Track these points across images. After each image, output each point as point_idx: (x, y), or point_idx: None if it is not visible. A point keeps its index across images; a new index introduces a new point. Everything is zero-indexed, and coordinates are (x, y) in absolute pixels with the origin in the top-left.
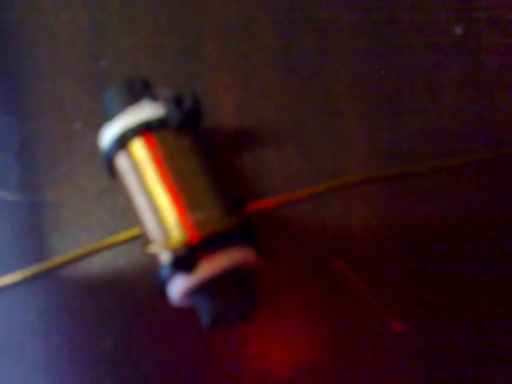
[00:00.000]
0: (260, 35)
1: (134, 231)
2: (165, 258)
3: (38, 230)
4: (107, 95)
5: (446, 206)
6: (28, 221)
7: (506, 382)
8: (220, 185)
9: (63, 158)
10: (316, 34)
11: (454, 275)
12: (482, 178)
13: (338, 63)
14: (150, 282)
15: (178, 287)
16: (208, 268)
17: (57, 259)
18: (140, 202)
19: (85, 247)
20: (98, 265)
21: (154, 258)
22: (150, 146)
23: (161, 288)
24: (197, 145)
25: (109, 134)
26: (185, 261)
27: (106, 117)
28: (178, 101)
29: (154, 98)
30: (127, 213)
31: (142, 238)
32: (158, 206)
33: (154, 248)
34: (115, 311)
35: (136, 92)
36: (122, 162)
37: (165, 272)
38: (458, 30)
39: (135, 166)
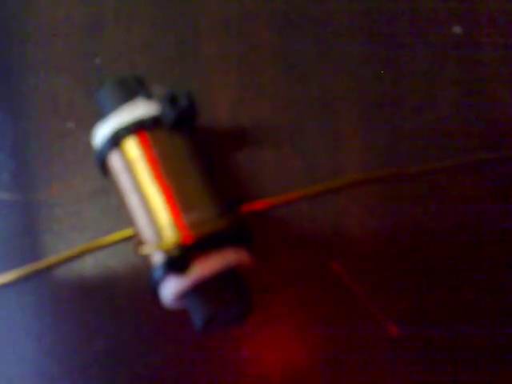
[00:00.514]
0: (257, 34)
1: (127, 231)
2: (157, 258)
3: (31, 229)
4: (101, 93)
5: (443, 207)
6: (20, 220)
7: None
8: (214, 185)
9: (56, 157)
10: (314, 33)
11: (451, 278)
12: (480, 179)
13: (335, 63)
14: (143, 282)
15: (170, 289)
16: (201, 269)
17: (49, 259)
18: (133, 201)
19: (77, 247)
20: (90, 265)
21: (146, 258)
22: (144, 144)
23: (153, 289)
24: (191, 144)
25: (102, 132)
26: (178, 262)
27: (100, 115)
28: (172, 99)
29: (149, 96)
30: (120, 213)
31: (135, 239)
32: (152, 206)
33: (146, 249)
34: (107, 312)
35: (130, 90)
36: (115, 161)
37: (157, 273)
38: (458, 30)
39: (129, 166)
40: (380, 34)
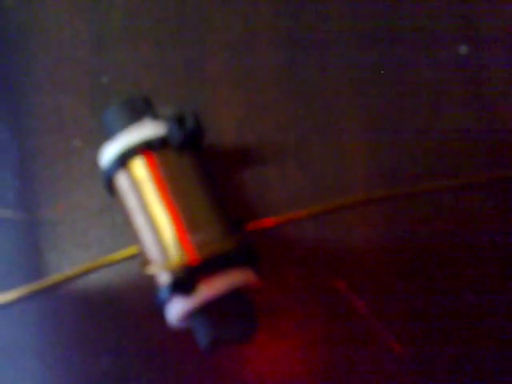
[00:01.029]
0: (262, 53)
1: (132, 250)
2: (163, 279)
3: (35, 247)
4: (108, 113)
5: (448, 226)
6: (25, 238)
7: None
8: (221, 205)
9: (62, 175)
10: (319, 51)
11: (455, 297)
12: (485, 199)
13: (340, 81)
14: (147, 301)
15: (176, 310)
16: (207, 291)
17: (53, 277)
18: (140, 221)
19: (82, 265)
20: (94, 283)
21: (152, 278)
22: (151, 165)
23: (159, 310)
24: (198, 164)
25: (109, 152)
26: (184, 283)
27: (107, 135)
28: (179, 120)
29: (156, 116)
30: (125, 231)
31: (141, 258)
32: (158, 227)
33: (152, 269)
34: (112, 331)
35: (137, 110)
36: (122, 180)
37: (163, 294)
38: (463, 50)
39: (135, 186)
40: (386, 53)
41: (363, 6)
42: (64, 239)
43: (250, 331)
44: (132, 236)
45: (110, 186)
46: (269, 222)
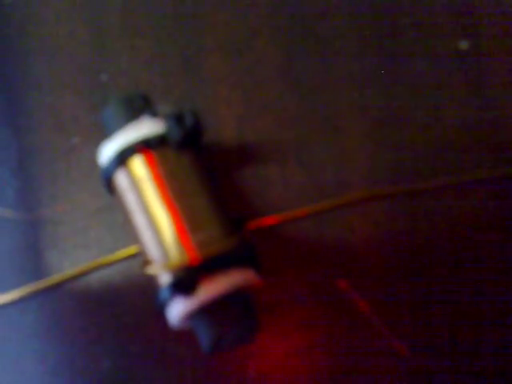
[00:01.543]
0: (262, 50)
1: (132, 249)
2: (164, 279)
3: (35, 247)
4: (107, 111)
5: (450, 224)
6: (25, 238)
7: None
8: (221, 204)
9: (61, 174)
10: (318, 49)
11: (457, 296)
12: (487, 196)
13: (340, 79)
14: (148, 301)
15: (177, 310)
16: (208, 291)
17: (54, 277)
18: (139, 221)
19: (82, 265)
20: (95, 283)
21: (152, 278)
22: (150, 163)
23: (160, 310)
24: (197, 162)
25: (108, 150)
26: (185, 283)
27: (106, 133)
28: (178, 118)
29: (155, 114)
30: (125, 230)
31: (141, 258)
32: (158, 226)
33: (153, 269)
34: (113, 331)
35: (136, 108)
36: (121, 179)
37: (164, 294)
38: (464, 45)
39: (135, 184)
40: (386, 50)
41: (363, 2)
42: (64, 239)
43: (251, 331)
44: (132, 235)
45: (109, 185)
46: (269, 220)
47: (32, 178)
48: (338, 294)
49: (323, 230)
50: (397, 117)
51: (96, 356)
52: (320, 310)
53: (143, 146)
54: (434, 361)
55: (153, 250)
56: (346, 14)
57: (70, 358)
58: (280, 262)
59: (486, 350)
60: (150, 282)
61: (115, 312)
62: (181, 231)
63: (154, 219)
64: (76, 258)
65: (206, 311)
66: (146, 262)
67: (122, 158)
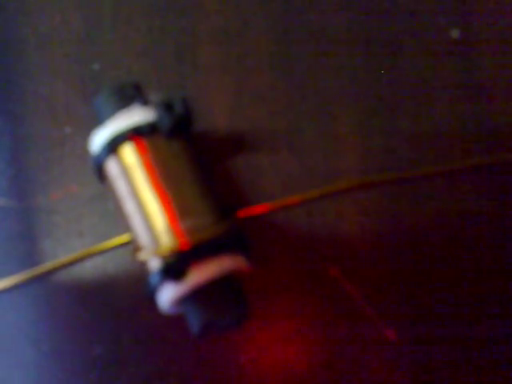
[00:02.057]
0: (254, 39)
1: (126, 236)
2: (154, 264)
3: (29, 235)
4: (98, 99)
5: (442, 211)
6: (18, 226)
7: None
8: (211, 191)
9: (54, 163)
10: (311, 38)
11: (449, 283)
12: (478, 183)
13: (332, 67)
14: (141, 288)
15: (167, 295)
16: (198, 276)
17: (48, 265)
18: (130, 207)
19: (76, 253)
20: (89, 270)
21: (143, 264)
22: (141, 151)
23: (150, 295)
24: (188, 150)
25: (99, 138)
26: (175, 268)
27: (98, 121)
28: (168, 106)
29: (146, 102)
30: (118, 218)
31: (132, 245)
32: (149, 213)
33: (143, 255)
34: (106, 317)
35: (127, 96)
36: (112, 167)
37: (154, 279)
38: (455, 34)
39: (125, 172)
40: (377, 38)
41: None
42: (58, 227)
43: (241, 317)
44: (124, 222)
45: (100, 173)
46: (260, 208)
47: (25, 166)
48: (328, 281)
49: (314, 217)
50: (388, 105)
51: (89, 341)
52: (310, 296)
53: (134, 134)
54: (423, 347)
55: (143, 236)
56: (338, 2)
57: (64, 344)
58: (270, 249)
59: (477, 336)
60: (143, 270)
61: (108, 299)
62: (171, 217)
63: (144, 206)
64: (69, 246)
65: (195, 296)
66: (137, 249)
67: (113, 145)
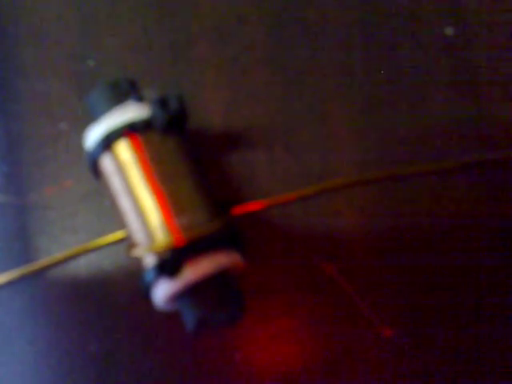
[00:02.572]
0: (249, 36)
1: (121, 233)
2: (149, 261)
3: (23, 231)
4: (92, 96)
5: (436, 209)
6: (13, 223)
7: None
8: (206, 187)
9: (49, 159)
10: (306, 35)
11: (443, 279)
12: (473, 181)
13: (327, 65)
14: (136, 284)
15: (162, 292)
16: (193, 272)
17: (42, 261)
18: (125, 204)
19: (70, 249)
20: (83, 267)
21: (138, 261)
22: (136, 147)
23: (145, 292)
24: (183, 146)
25: (93, 135)
26: (169, 265)
27: (92, 117)
28: (163, 102)
29: (140, 98)
30: (113, 214)
31: (127, 241)
32: (143, 209)
33: (138, 251)
34: (102, 314)
35: (122, 92)
36: (106, 163)
37: (149, 276)
38: (449, 31)
39: (120, 168)
40: (373, 36)
41: None
42: (52, 223)
43: (236, 313)
44: (119, 219)
45: (95, 169)
46: (256, 205)
47: (20, 163)
48: (324, 278)
49: (309, 215)
50: (383, 103)
51: (84, 338)
52: (306, 293)
53: (129, 130)
54: (419, 343)
55: (138, 233)
56: (333, 0)
57: (59, 341)
58: (266, 246)
59: (470, 332)
60: (138, 266)
61: (104, 295)
62: (166, 214)
63: (139, 202)
64: (64, 243)
65: (190, 292)
66: (132, 245)
67: (108, 141)
